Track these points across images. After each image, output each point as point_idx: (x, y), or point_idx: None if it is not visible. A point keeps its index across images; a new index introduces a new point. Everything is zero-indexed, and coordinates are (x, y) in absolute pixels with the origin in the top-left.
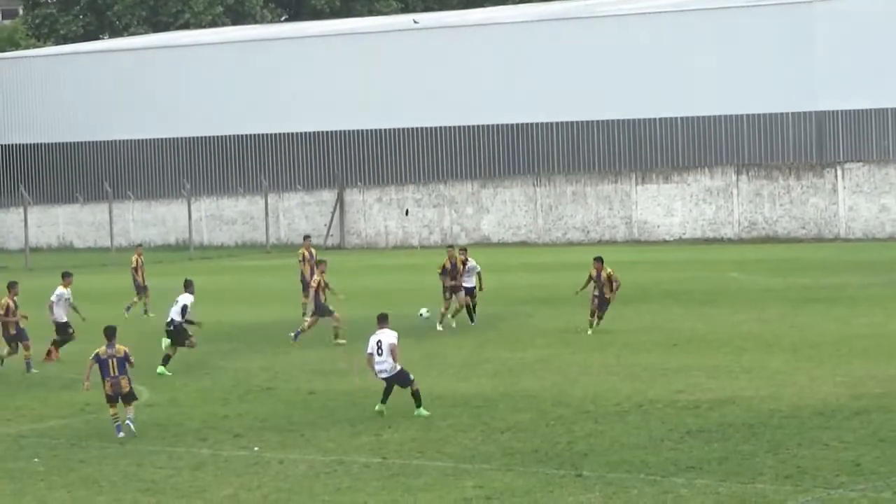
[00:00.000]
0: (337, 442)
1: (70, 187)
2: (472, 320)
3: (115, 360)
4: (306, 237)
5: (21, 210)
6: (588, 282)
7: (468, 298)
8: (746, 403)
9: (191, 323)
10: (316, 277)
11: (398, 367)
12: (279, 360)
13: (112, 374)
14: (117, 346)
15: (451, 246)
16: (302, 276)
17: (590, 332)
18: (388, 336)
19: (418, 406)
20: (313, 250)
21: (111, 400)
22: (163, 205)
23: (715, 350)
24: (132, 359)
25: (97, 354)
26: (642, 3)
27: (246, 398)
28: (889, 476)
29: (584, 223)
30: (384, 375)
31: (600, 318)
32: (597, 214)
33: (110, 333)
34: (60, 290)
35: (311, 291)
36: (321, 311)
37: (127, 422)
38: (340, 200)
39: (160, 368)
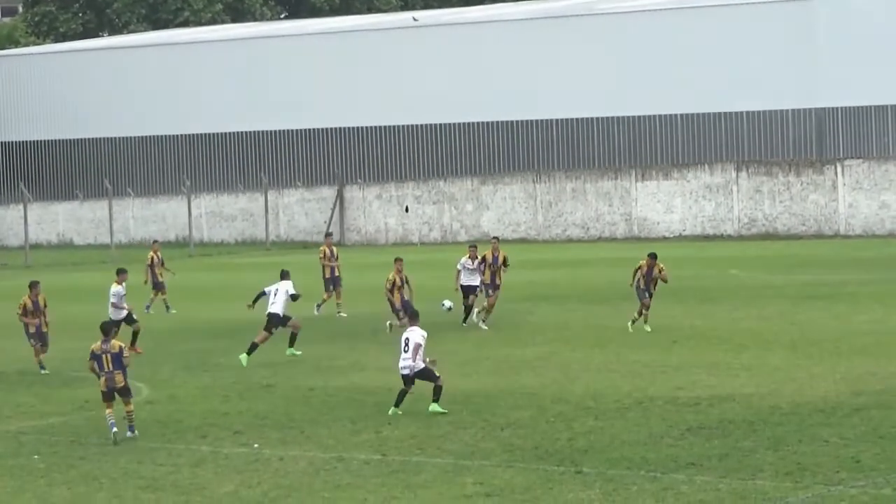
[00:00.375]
0: (337, 439)
1: (70, 184)
2: (465, 321)
3: (109, 355)
4: (328, 234)
5: (21, 207)
6: (635, 276)
7: (473, 297)
8: (746, 400)
9: (295, 298)
10: (392, 276)
11: (420, 367)
12: (279, 357)
13: (107, 370)
14: (112, 341)
15: (495, 238)
16: (323, 274)
17: (647, 328)
18: (414, 335)
19: (435, 401)
20: (334, 248)
21: (106, 397)
22: (163, 202)
23: (715, 347)
24: (126, 354)
25: (92, 351)
26: (641, 1)
27: (246, 395)
28: (889, 472)
29: (584, 220)
30: (404, 372)
31: (645, 312)
32: (596, 211)
33: (107, 329)
34: (116, 287)
35: (387, 292)
36: (406, 308)
37: (127, 427)
38: (340, 197)
39: (289, 350)
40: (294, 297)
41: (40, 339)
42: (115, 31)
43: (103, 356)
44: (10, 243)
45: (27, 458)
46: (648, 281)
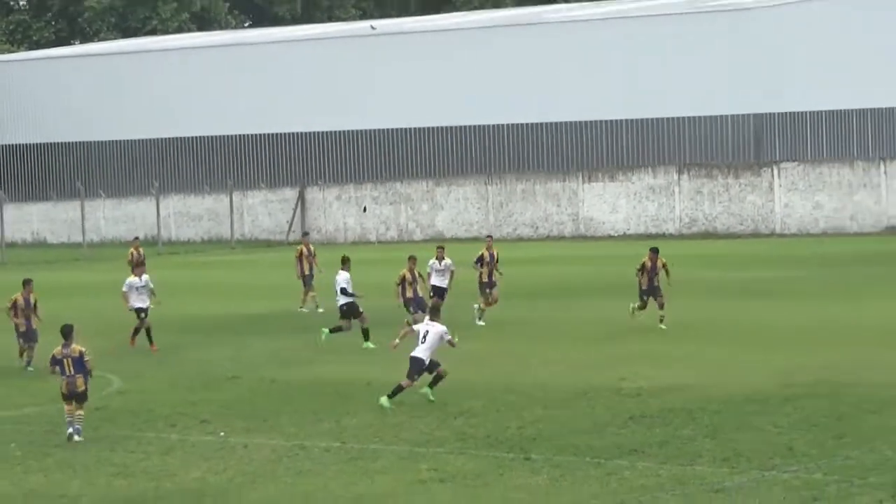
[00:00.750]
0: (299, 427)
1: (44, 186)
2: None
3: (70, 359)
4: (305, 234)
5: None
6: (641, 271)
7: (438, 300)
8: (686, 390)
9: (353, 296)
10: (404, 273)
11: (426, 360)
12: (244, 351)
13: (68, 374)
14: (73, 346)
15: (489, 236)
16: (301, 272)
17: (630, 314)
18: (435, 329)
19: (430, 386)
20: (311, 247)
21: (66, 399)
22: (132, 202)
23: (657, 340)
24: (87, 358)
25: (53, 356)
26: (589, 10)
27: (212, 386)
28: (820, 458)
29: (534, 220)
30: (415, 356)
31: (661, 305)
32: (545, 211)
33: (66, 332)
34: (131, 279)
35: (399, 288)
36: (419, 304)
37: (72, 430)
38: (302, 198)
39: (366, 344)
40: (343, 291)
41: (30, 336)
42: (86, 38)
43: (64, 360)
44: None
45: (4, 446)
46: (653, 276)
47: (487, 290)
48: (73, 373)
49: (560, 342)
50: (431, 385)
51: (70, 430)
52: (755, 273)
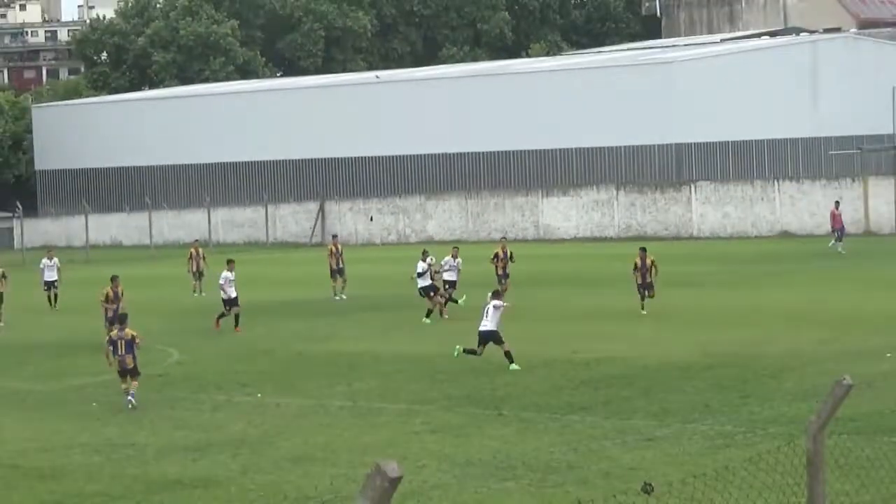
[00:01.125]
0: (319, 389)
1: (120, 200)
2: (441, 314)
3: (123, 341)
4: (334, 236)
5: (83, 217)
6: (635, 269)
7: (450, 291)
8: (625, 361)
9: (425, 276)
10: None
11: (495, 329)
12: (276, 330)
13: (120, 353)
14: (126, 330)
15: (503, 237)
16: (330, 266)
17: (644, 312)
18: (493, 303)
19: (510, 362)
20: (339, 246)
21: (121, 375)
22: (189, 213)
23: (601, 321)
24: (138, 341)
25: (110, 337)
26: (546, 63)
27: (251, 357)
28: (730, 413)
29: (504, 226)
30: (482, 329)
31: (651, 297)
32: (513, 219)
33: (122, 318)
34: (226, 273)
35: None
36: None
37: (129, 397)
38: (322, 210)
39: (462, 300)
40: (420, 275)
41: (115, 320)
42: (153, 85)
43: (118, 342)
44: (75, 244)
45: (87, 405)
46: (644, 272)
47: (503, 281)
48: (123, 353)
49: (522, 324)
50: (509, 360)
51: (129, 401)
52: (678, 268)
